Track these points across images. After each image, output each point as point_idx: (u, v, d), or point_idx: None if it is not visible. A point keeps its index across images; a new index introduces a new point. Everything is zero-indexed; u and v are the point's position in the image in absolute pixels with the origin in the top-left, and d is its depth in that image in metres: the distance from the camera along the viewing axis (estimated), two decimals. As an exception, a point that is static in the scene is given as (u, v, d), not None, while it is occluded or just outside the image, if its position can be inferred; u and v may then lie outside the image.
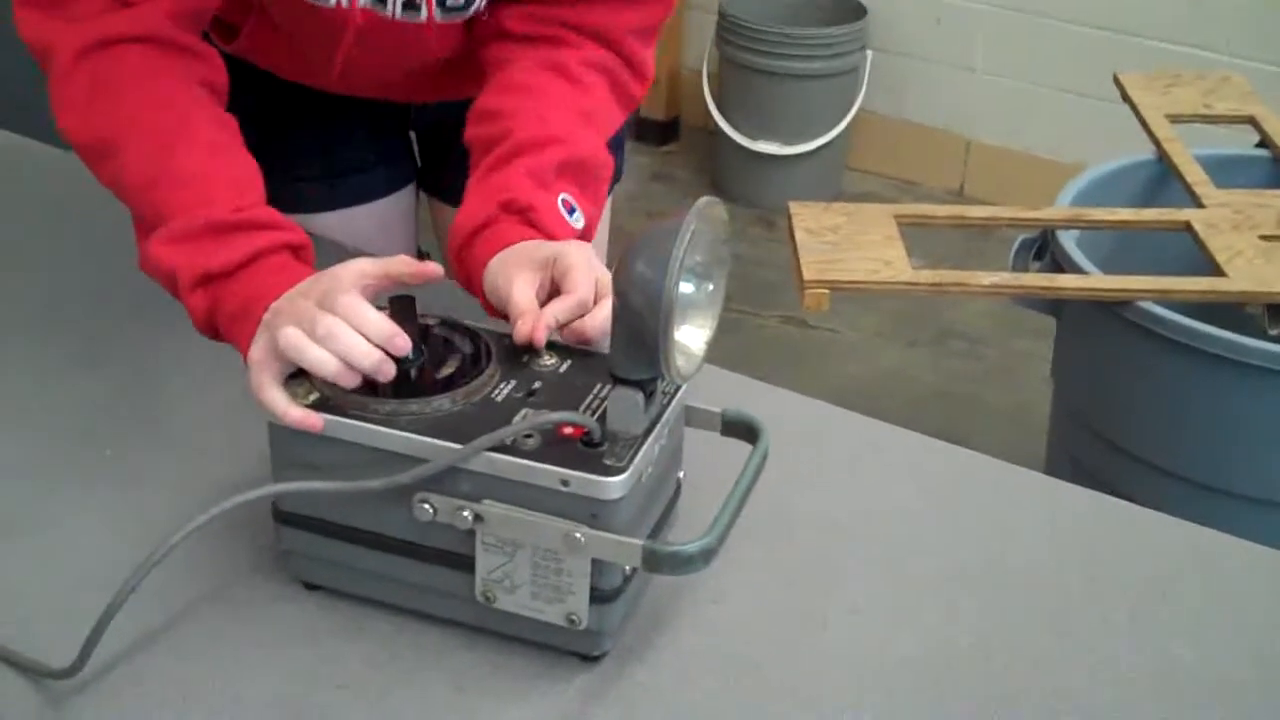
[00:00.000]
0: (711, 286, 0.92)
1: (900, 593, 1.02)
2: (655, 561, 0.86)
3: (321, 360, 0.93)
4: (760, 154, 3.43)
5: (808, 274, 1.57)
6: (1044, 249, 1.78)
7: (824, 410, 1.24)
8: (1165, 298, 1.62)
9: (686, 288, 0.89)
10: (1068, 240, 1.73)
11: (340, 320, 0.94)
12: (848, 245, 1.62)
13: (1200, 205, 1.79)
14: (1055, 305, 1.74)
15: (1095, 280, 1.63)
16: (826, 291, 1.56)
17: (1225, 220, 1.74)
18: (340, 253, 1.33)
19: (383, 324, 0.93)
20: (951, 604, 1.01)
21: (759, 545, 1.02)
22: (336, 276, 0.98)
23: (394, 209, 1.51)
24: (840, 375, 2.83)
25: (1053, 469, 1.94)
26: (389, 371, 0.92)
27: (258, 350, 0.97)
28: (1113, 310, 1.62)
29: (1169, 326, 1.59)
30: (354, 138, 1.45)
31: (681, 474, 1.00)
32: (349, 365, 0.93)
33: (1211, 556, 1.08)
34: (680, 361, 0.89)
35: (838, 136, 3.45)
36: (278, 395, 0.94)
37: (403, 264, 1.00)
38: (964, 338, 2.98)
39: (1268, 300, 1.62)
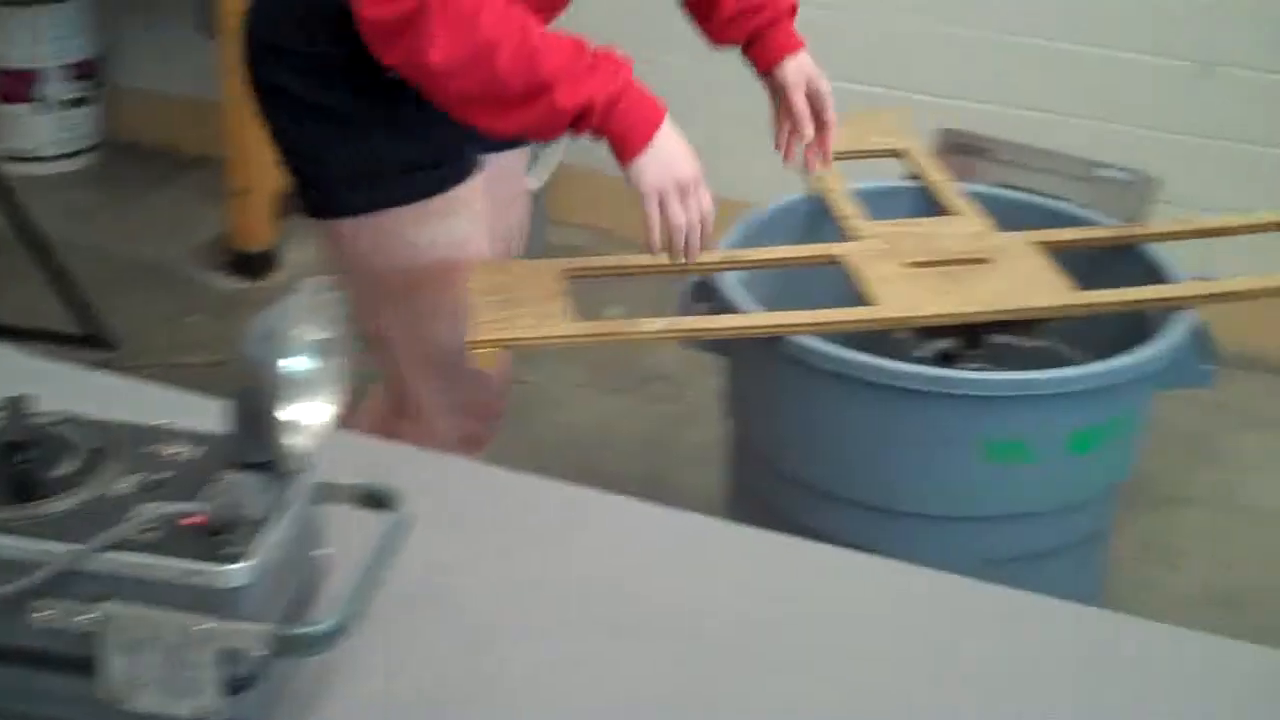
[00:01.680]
0: (332, 363, 0.92)
1: (577, 655, 1.02)
2: (284, 645, 0.86)
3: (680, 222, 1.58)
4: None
5: (475, 334, 1.58)
6: (713, 291, 1.83)
7: (496, 476, 1.24)
8: (821, 330, 1.68)
9: (298, 365, 0.89)
10: (730, 281, 1.78)
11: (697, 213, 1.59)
12: (515, 303, 1.64)
13: (852, 238, 1.87)
14: (725, 345, 1.80)
15: (752, 318, 1.69)
16: (494, 351, 1.58)
17: (875, 251, 1.82)
18: None
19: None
20: (634, 668, 1.02)
21: (420, 617, 1.02)
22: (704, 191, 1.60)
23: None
24: (547, 428, 2.85)
25: (734, 505, 2.00)
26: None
27: (653, 161, 1.56)
28: (772, 346, 1.68)
29: (824, 358, 1.65)
30: None
31: (325, 552, 0.99)
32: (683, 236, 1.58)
33: (886, 583, 1.14)
34: (298, 440, 0.88)
35: (540, 191, 3.48)
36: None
37: None
38: (666, 381, 3.04)
39: (915, 324, 1.71)
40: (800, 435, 1.77)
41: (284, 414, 0.87)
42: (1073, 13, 3.18)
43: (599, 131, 1.56)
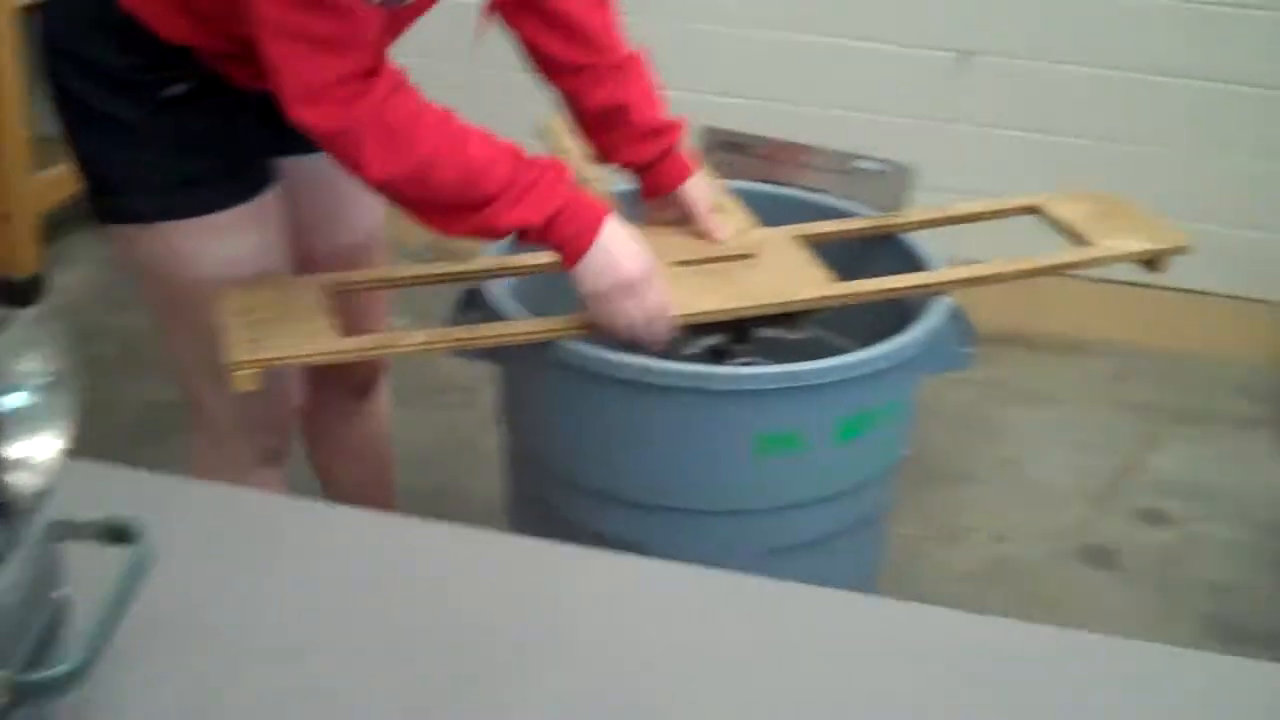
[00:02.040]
0: (57, 396, 0.90)
1: (333, 678, 1.02)
2: (23, 692, 0.83)
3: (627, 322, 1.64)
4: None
5: (234, 355, 1.55)
6: (482, 299, 1.83)
7: (244, 498, 1.23)
8: (589, 334, 1.69)
9: (19, 400, 0.86)
10: (497, 289, 1.78)
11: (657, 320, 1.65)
12: (275, 321, 1.61)
13: (618, 240, 1.87)
14: (496, 352, 1.79)
15: (517, 325, 1.69)
16: (254, 372, 1.55)
17: (640, 252, 1.83)
18: None
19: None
20: (392, 686, 1.01)
21: (173, 648, 1.01)
22: (657, 284, 1.66)
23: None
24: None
25: (515, 512, 2.00)
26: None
27: (593, 267, 1.61)
28: (541, 351, 1.69)
29: (591, 361, 1.66)
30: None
31: (63, 592, 0.96)
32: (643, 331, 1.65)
33: (650, 582, 1.16)
34: (26, 477, 0.86)
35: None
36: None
37: None
38: (457, 389, 3.02)
39: (681, 323, 1.72)
40: (574, 439, 1.77)
41: (8, 451, 0.84)
42: (833, 6, 3.25)
43: (540, 243, 1.62)
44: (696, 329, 1.75)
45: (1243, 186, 3.23)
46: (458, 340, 1.69)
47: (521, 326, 1.70)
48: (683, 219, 1.91)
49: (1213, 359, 3.34)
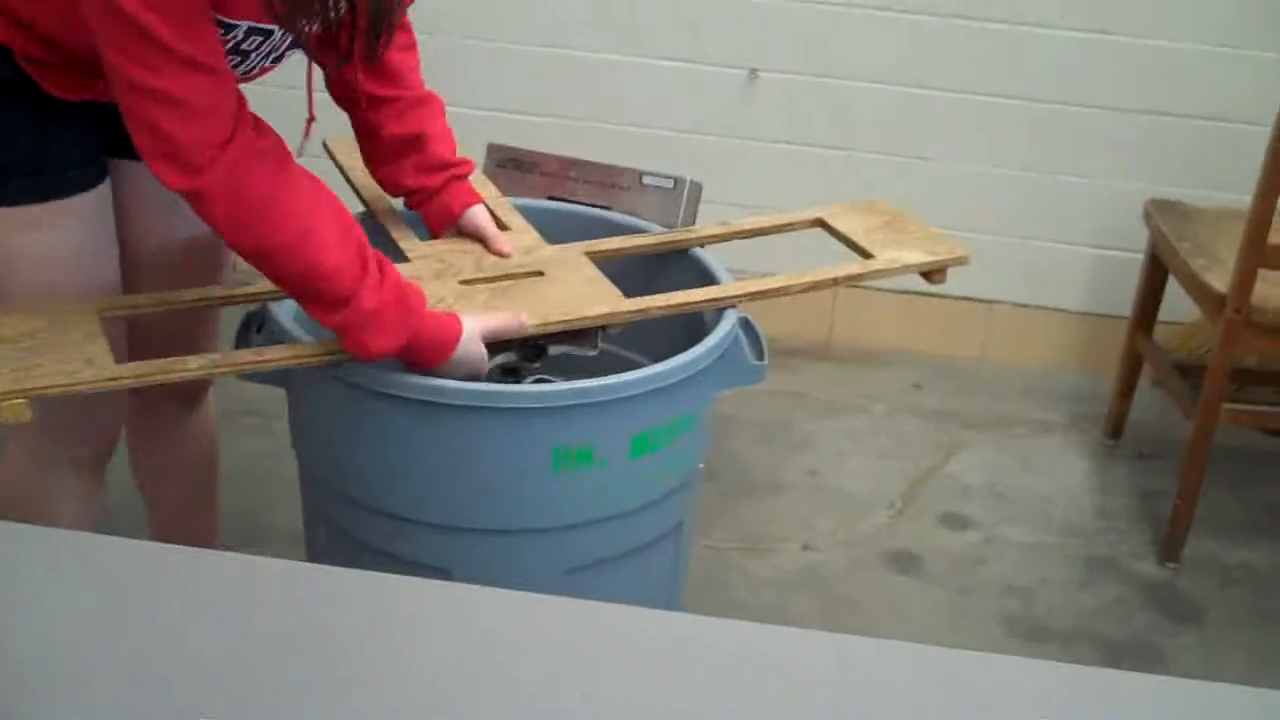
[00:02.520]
0: None
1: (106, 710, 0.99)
2: None
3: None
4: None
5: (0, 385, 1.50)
6: (266, 321, 1.80)
7: (39, 536, 1.19)
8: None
9: None
10: (282, 311, 1.75)
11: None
12: (46, 349, 1.56)
13: (405, 259, 1.86)
14: (283, 375, 1.76)
15: (301, 348, 1.66)
16: (23, 402, 1.49)
17: (429, 271, 1.82)
18: None
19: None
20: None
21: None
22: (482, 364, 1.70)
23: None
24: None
25: (313, 536, 1.96)
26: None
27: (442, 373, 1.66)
28: (330, 373, 1.66)
29: (379, 382, 1.64)
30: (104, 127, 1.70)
31: None
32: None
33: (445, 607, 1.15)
34: None
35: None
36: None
37: None
38: (256, 414, 2.97)
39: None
40: (367, 461, 1.74)
41: None
42: (625, 24, 3.28)
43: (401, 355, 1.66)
44: (489, 347, 1.74)
45: (1024, 198, 3.34)
46: (240, 364, 1.65)
47: (307, 349, 1.67)
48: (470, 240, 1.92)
49: (1004, 366, 3.44)
